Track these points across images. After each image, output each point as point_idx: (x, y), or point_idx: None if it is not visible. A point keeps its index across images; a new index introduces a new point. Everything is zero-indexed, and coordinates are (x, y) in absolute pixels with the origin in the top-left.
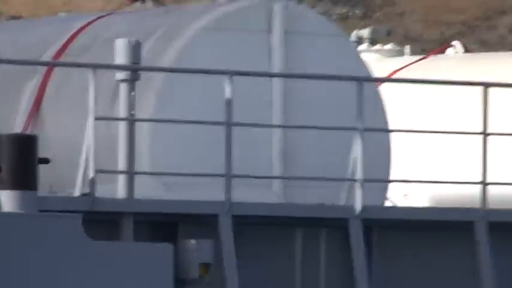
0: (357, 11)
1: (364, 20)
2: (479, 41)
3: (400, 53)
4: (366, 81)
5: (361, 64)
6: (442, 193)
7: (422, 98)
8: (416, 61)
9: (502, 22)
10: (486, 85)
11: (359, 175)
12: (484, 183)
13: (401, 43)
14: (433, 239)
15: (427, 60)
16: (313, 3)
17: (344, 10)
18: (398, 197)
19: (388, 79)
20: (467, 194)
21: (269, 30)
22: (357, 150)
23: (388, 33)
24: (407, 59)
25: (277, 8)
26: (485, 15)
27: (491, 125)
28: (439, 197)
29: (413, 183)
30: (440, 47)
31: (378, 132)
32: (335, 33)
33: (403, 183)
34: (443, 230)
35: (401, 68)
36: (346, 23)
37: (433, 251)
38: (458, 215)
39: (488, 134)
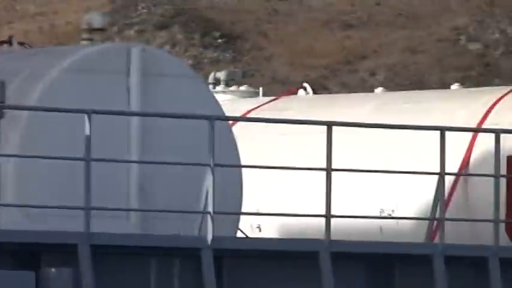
0: (227, 55)
1: (234, 63)
2: (341, 84)
3: (255, 94)
4: (217, 120)
5: (215, 104)
6: (293, 225)
7: (275, 136)
8: (268, 102)
9: (363, 66)
10: (329, 124)
11: (210, 208)
12: (328, 216)
13: (268, 85)
14: (281, 269)
15: (279, 101)
16: (185, 47)
17: (215, 54)
18: (251, 228)
19: (237, 118)
20: (315, 226)
21: (128, 72)
22: (208, 184)
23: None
24: (260, 99)
25: (135, 51)
26: (347, 60)
27: (335, 161)
28: (289, 228)
29: (265, 216)
30: (293, 89)
31: (229, 167)
32: (190, 75)
33: (257, 216)
34: (291, 260)
35: (254, 108)
36: (218, 66)
37: (282, 281)
38: (304, 245)
39: (332, 170)
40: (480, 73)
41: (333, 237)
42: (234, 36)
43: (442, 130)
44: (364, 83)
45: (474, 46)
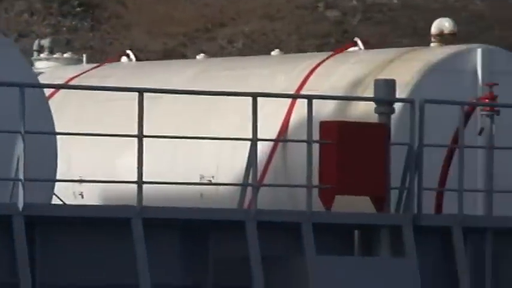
0: (85, 23)
1: (93, 31)
2: (200, 52)
3: (78, 61)
4: (28, 87)
5: (28, 71)
6: (114, 192)
7: (95, 102)
8: (91, 69)
9: (221, 34)
10: (140, 91)
11: (21, 175)
12: (139, 182)
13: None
14: (96, 236)
15: (102, 68)
16: (44, 15)
17: (74, 23)
18: (74, 196)
19: (47, 85)
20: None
21: None
22: (20, 151)
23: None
24: (84, 67)
25: None
26: (206, 28)
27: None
28: (111, 195)
29: (87, 183)
30: (117, 56)
31: (44, 135)
32: (3, 42)
33: (80, 183)
34: (106, 227)
35: (77, 76)
36: (76, 34)
37: (96, 248)
38: (117, 212)
39: (143, 137)
40: (338, 40)
41: (154, 204)
42: (92, 5)
43: (254, 96)
44: (222, 50)
45: (332, 13)
